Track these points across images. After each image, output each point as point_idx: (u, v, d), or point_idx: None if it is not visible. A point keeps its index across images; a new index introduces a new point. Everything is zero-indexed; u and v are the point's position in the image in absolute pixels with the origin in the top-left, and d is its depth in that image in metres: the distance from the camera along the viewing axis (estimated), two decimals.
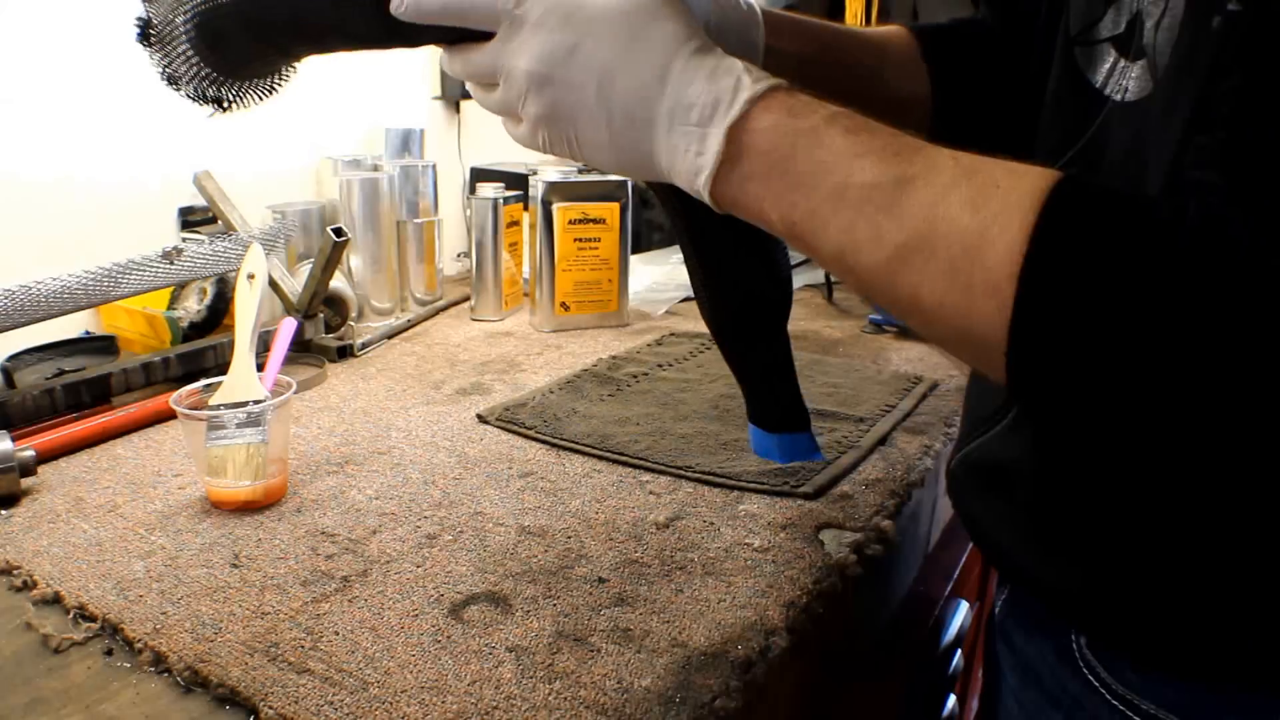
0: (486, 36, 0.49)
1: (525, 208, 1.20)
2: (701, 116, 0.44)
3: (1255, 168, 0.35)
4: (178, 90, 0.53)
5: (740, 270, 0.62)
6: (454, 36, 0.49)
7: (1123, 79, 0.48)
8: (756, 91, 0.44)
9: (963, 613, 1.01)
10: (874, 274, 0.42)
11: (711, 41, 0.46)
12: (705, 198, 0.46)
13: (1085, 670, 0.50)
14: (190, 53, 0.51)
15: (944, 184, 0.39)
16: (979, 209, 0.38)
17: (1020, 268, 0.36)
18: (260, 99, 0.55)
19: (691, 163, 0.45)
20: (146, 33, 0.50)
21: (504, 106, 0.50)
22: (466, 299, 1.20)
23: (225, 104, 0.53)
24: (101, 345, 0.90)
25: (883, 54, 0.68)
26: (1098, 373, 0.36)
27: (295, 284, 0.98)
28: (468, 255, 1.28)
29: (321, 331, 0.99)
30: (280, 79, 0.56)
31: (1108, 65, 0.49)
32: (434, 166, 1.19)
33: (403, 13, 0.48)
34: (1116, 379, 0.36)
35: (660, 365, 0.96)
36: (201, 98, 0.53)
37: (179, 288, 0.97)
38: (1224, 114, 0.37)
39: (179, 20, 0.50)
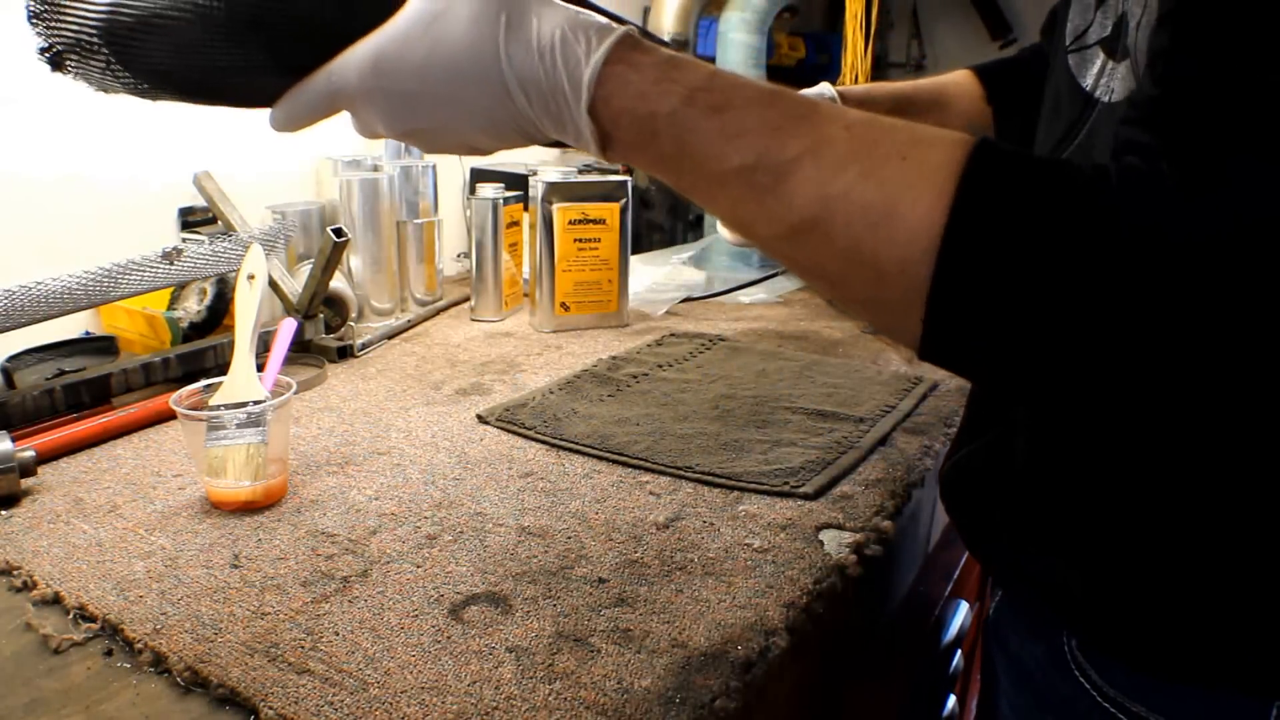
0: None
1: (525, 208, 1.20)
2: (557, 104, 0.41)
3: (1182, 123, 0.34)
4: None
5: None
6: None
7: (1110, 80, 0.48)
8: (595, 70, 0.40)
9: (962, 613, 1.01)
10: (771, 247, 0.40)
11: None
12: (607, 163, 0.44)
13: (1076, 673, 0.50)
14: (119, 82, 0.48)
15: (838, 158, 0.37)
16: (883, 182, 0.36)
17: (939, 240, 0.35)
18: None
19: (578, 141, 0.43)
20: (59, 64, 0.48)
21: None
22: (466, 299, 1.20)
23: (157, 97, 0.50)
24: (101, 346, 0.90)
25: (947, 105, 0.69)
26: (1022, 338, 0.36)
27: (295, 284, 0.98)
28: (468, 255, 1.28)
29: (321, 332, 0.99)
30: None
31: (1096, 68, 0.49)
32: (434, 167, 1.19)
33: (277, 131, 0.48)
34: (1042, 343, 0.35)
35: (660, 366, 0.96)
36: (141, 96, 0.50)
37: (179, 288, 0.97)
38: (1158, 73, 0.36)
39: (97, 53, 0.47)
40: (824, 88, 0.67)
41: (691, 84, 0.39)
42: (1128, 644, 0.48)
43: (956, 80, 0.72)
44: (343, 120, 0.48)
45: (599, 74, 0.40)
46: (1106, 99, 0.48)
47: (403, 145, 1.26)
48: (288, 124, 0.47)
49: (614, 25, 0.41)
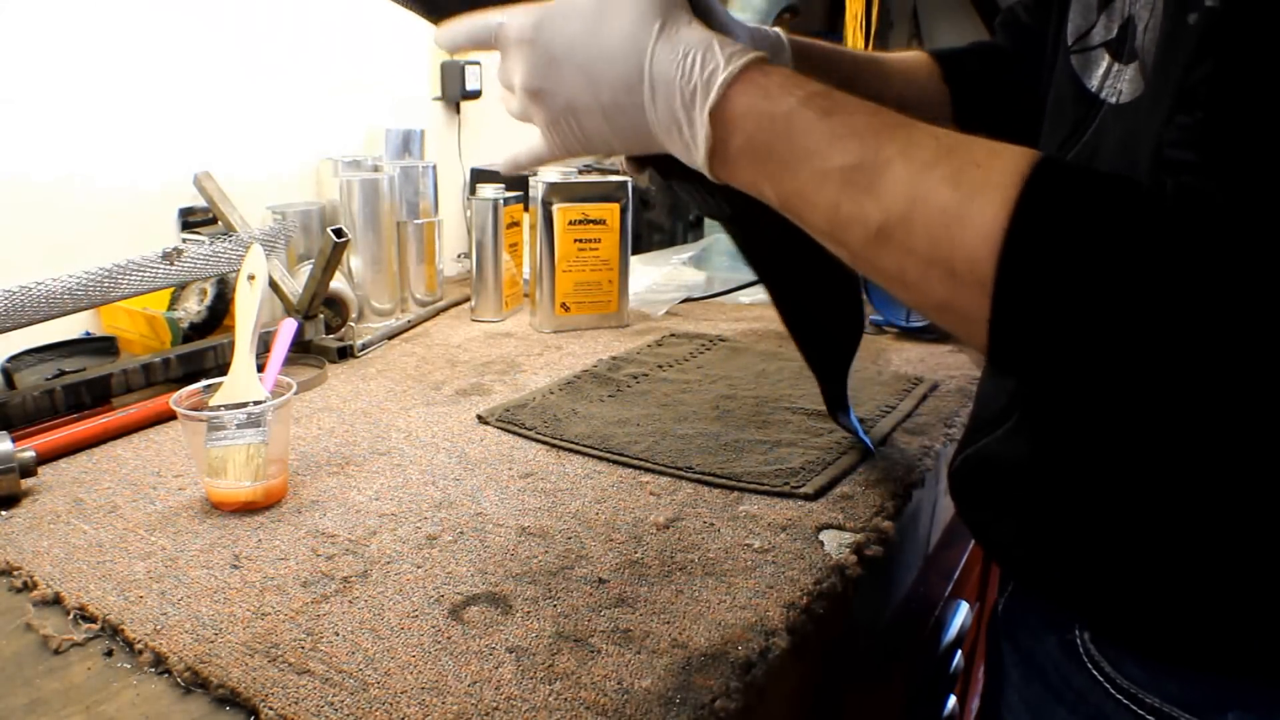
0: None
1: (525, 208, 1.20)
2: (684, 101, 0.46)
3: (1229, 146, 0.36)
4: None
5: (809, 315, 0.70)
6: None
7: (1117, 82, 0.48)
8: (731, 73, 0.44)
9: (963, 613, 1.01)
10: (860, 250, 0.43)
11: (679, 7, 0.47)
12: (708, 175, 0.47)
13: (1089, 665, 0.51)
14: None
15: (924, 162, 0.40)
16: (959, 186, 0.39)
17: (1001, 243, 0.37)
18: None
19: (688, 146, 0.47)
20: None
21: (520, 115, 0.53)
22: (467, 300, 1.20)
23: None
24: (102, 346, 0.90)
25: (906, 80, 0.70)
26: (1079, 341, 0.37)
27: (295, 285, 0.98)
28: (468, 256, 1.28)
29: (322, 332, 0.99)
30: None
31: (1102, 69, 0.50)
32: (434, 167, 1.19)
33: (438, 45, 0.55)
34: (1097, 346, 0.37)
35: (660, 366, 0.96)
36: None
37: (179, 288, 0.97)
38: (1201, 97, 0.37)
39: None
40: (774, 32, 0.67)
41: (809, 90, 0.44)
42: (1141, 634, 0.48)
43: (917, 59, 0.73)
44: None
45: (734, 78, 0.44)
46: (1113, 100, 0.48)
47: (403, 145, 1.27)
48: (450, 42, 0.54)
49: (751, 49, 0.46)
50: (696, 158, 0.47)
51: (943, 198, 0.39)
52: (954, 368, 0.99)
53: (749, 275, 1.38)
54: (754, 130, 0.44)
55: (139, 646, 0.49)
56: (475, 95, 1.44)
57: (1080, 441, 0.50)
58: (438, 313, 1.19)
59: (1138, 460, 0.47)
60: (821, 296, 0.68)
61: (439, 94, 1.42)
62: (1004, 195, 0.37)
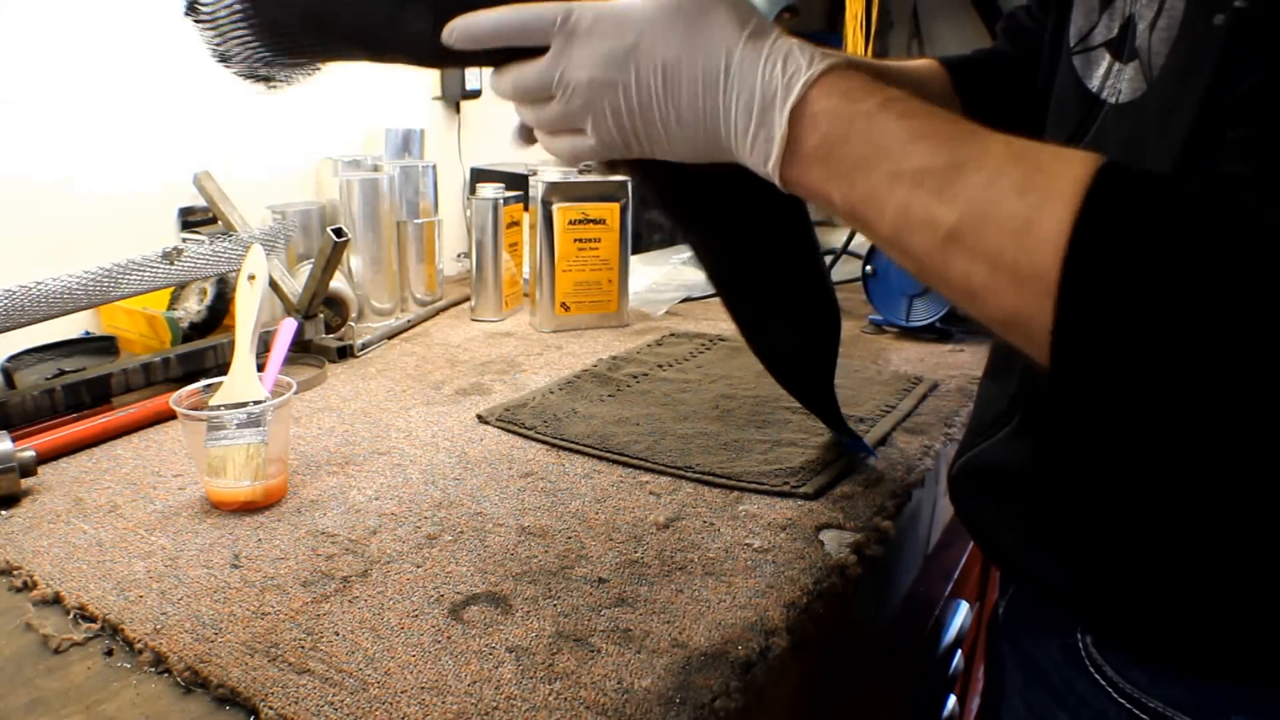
0: (538, 53, 0.49)
1: (525, 208, 1.20)
2: (765, 101, 0.46)
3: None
4: (226, 67, 0.52)
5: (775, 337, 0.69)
6: (503, 57, 0.50)
7: (1117, 82, 0.48)
8: (813, 74, 0.45)
9: (963, 613, 1.01)
10: (927, 255, 0.42)
11: (763, 19, 0.47)
12: (775, 180, 0.47)
13: (1092, 669, 0.51)
14: (245, 36, 0.51)
15: (994, 169, 0.40)
16: (1025, 194, 0.38)
17: (1065, 252, 0.37)
18: (307, 78, 0.55)
19: (761, 147, 0.46)
20: (194, 5, 0.50)
21: (564, 120, 0.50)
22: (466, 299, 1.20)
23: (273, 83, 0.53)
24: (101, 346, 0.90)
25: (919, 87, 0.70)
26: (1141, 355, 0.37)
27: (295, 284, 0.98)
28: (468, 255, 1.28)
29: (321, 332, 0.99)
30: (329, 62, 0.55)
31: (1103, 69, 0.50)
32: (434, 167, 1.19)
33: (454, 42, 0.50)
34: (1159, 361, 0.36)
35: (660, 366, 0.96)
36: (250, 76, 0.53)
37: (179, 288, 0.97)
38: (1246, 110, 0.37)
39: (236, 3, 0.50)
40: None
41: (886, 94, 0.44)
42: (1144, 639, 0.48)
43: (928, 67, 0.73)
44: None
45: (815, 79, 0.45)
46: (1114, 100, 0.48)
47: (403, 145, 1.27)
48: (491, 31, 0.49)
49: (830, 55, 0.46)
50: (769, 164, 0.46)
51: (1011, 204, 0.39)
52: (954, 368, 0.99)
53: None
54: (830, 129, 0.44)
55: (139, 646, 0.49)
56: (475, 95, 1.44)
57: (1085, 445, 0.50)
58: (438, 312, 1.19)
59: (1145, 465, 0.47)
60: (787, 311, 0.67)
61: (439, 93, 1.42)
62: (1067, 202, 0.37)
